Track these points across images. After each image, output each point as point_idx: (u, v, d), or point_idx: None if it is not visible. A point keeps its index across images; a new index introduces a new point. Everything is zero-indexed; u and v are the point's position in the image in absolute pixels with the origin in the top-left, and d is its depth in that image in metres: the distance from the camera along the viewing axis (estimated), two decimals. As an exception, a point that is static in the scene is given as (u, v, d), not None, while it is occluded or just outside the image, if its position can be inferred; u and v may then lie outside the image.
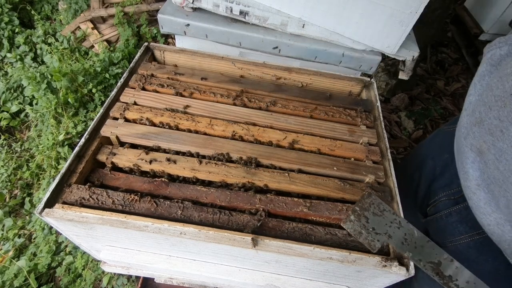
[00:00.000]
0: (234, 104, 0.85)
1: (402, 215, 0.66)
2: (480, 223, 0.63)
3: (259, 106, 0.85)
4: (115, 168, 0.72)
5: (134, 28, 2.42)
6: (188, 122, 0.77)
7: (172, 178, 0.69)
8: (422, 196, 0.86)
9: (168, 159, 0.70)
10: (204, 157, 0.73)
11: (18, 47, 2.42)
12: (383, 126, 0.85)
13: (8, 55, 2.36)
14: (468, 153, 0.63)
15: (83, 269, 1.51)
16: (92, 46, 2.47)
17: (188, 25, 1.09)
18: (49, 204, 0.60)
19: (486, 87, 0.61)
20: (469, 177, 0.63)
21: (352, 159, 0.76)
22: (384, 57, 1.13)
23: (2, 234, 1.66)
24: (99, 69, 2.11)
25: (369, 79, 0.98)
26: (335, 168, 0.72)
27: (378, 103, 0.92)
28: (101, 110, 0.77)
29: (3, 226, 1.68)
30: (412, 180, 0.91)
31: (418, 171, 0.89)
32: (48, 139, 1.86)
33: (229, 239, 0.57)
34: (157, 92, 0.85)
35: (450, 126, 0.86)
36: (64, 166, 0.65)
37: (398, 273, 0.57)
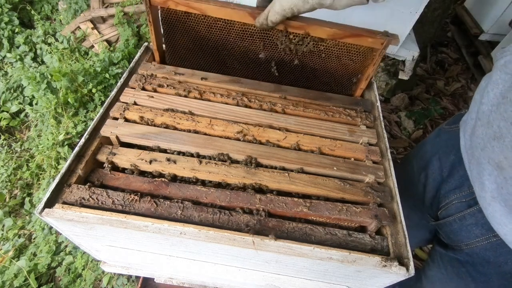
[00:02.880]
0: (234, 104, 0.85)
1: (401, 214, 0.66)
2: (497, 231, 0.63)
3: (259, 106, 0.85)
4: (115, 168, 0.72)
5: (134, 28, 2.42)
6: (188, 122, 0.77)
7: (172, 178, 0.69)
8: (431, 198, 0.85)
9: (168, 159, 0.70)
10: (204, 157, 0.73)
11: (18, 47, 2.43)
12: (383, 126, 0.85)
13: (8, 55, 2.37)
14: (485, 165, 0.62)
15: (83, 269, 1.51)
16: (92, 46, 2.47)
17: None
18: (49, 204, 0.60)
19: (502, 98, 0.59)
20: (485, 188, 0.62)
21: (352, 159, 0.76)
22: (384, 57, 1.13)
23: (2, 234, 1.66)
24: (99, 69, 2.11)
25: (369, 79, 0.98)
26: (335, 168, 0.72)
27: (378, 103, 0.92)
28: (101, 110, 0.77)
29: (3, 226, 1.69)
30: (418, 181, 0.90)
31: (424, 172, 0.88)
32: (48, 139, 1.86)
33: (229, 239, 0.57)
34: (157, 92, 0.85)
35: (452, 126, 0.85)
36: (64, 166, 0.65)
37: (398, 273, 0.57)
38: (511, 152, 0.55)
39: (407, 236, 0.63)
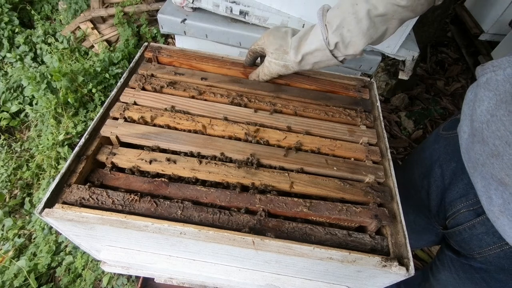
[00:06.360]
0: (234, 104, 0.85)
1: (401, 214, 0.66)
2: (509, 243, 0.62)
3: (259, 106, 0.85)
4: (115, 168, 0.72)
5: (134, 28, 2.42)
6: (188, 122, 0.77)
7: (172, 178, 0.69)
8: (436, 205, 0.84)
9: (168, 159, 0.70)
10: (204, 157, 0.73)
11: (18, 47, 2.42)
12: (383, 126, 0.85)
13: (8, 55, 2.36)
14: (489, 180, 0.61)
15: (83, 269, 1.51)
16: (92, 46, 2.47)
17: (185, 19, 1.09)
18: (49, 204, 0.60)
19: (491, 116, 0.59)
20: (493, 203, 0.61)
21: (352, 159, 0.76)
22: (384, 57, 1.13)
23: (2, 234, 1.66)
24: (99, 69, 2.11)
25: (369, 79, 0.98)
26: (335, 168, 0.72)
27: (378, 103, 0.92)
28: (101, 110, 0.77)
29: (3, 226, 1.68)
30: (421, 188, 0.90)
31: (426, 179, 0.88)
32: (48, 139, 1.86)
33: (229, 239, 0.57)
34: (157, 92, 0.85)
35: (450, 132, 0.84)
36: (64, 166, 0.65)
37: (398, 273, 0.57)
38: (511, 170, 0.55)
39: (407, 236, 0.63)
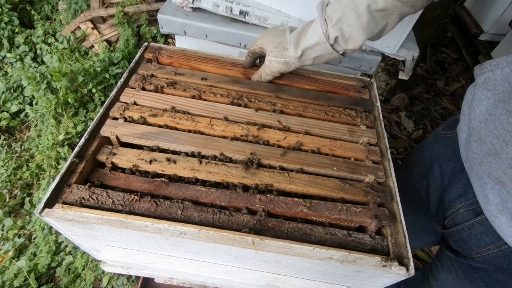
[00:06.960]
0: (234, 104, 0.85)
1: (401, 214, 0.66)
2: (507, 242, 0.63)
3: (259, 106, 0.85)
4: (115, 168, 0.72)
5: (134, 28, 2.42)
6: (188, 122, 0.77)
7: (172, 178, 0.69)
8: (435, 205, 0.84)
9: (168, 159, 0.70)
10: (204, 157, 0.73)
11: (18, 47, 2.42)
12: (383, 126, 0.85)
13: (8, 55, 2.36)
14: (486, 179, 0.61)
15: (83, 269, 1.51)
16: (92, 46, 2.47)
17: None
18: (49, 204, 0.60)
19: (489, 115, 0.59)
20: (490, 202, 0.61)
21: (352, 159, 0.76)
22: (384, 57, 1.13)
23: (2, 234, 1.66)
24: (99, 69, 2.11)
25: (369, 79, 0.98)
26: (335, 168, 0.72)
27: (378, 103, 0.92)
28: (101, 110, 0.77)
29: (3, 226, 1.69)
30: (420, 188, 0.90)
31: (425, 179, 0.88)
32: (48, 139, 1.86)
33: (229, 239, 0.57)
34: (157, 92, 0.85)
35: (449, 132, 0.84)
36: (64, 166, 0.65)
37: (398, 273, 0.57)
38: (509, 168, 0.55)
39: (407, 236, 0.63)
